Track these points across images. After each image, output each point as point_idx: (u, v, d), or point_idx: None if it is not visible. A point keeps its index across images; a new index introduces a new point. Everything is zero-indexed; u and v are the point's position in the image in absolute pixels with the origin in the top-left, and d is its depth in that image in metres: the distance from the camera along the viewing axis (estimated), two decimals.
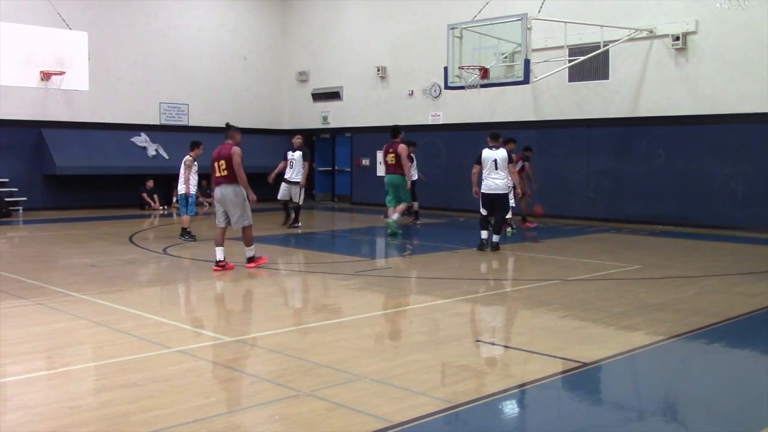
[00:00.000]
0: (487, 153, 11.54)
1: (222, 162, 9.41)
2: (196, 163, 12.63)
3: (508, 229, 13.38)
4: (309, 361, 5.41)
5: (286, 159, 15.21)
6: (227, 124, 9.94)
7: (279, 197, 15.09)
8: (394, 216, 13.27)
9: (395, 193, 13.47)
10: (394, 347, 5.99)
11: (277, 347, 5.84)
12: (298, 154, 14.92)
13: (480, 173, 11.59)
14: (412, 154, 15.05)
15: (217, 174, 9.47)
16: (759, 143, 14.10)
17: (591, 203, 16.49)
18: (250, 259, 9.74)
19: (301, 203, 15.02)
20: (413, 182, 15.26)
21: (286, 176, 14.90)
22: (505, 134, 17.15)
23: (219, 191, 9.51)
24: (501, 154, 11.47)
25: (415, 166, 15.68)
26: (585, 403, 4.81)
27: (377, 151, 20.27)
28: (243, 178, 9.42)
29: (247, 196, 9.54)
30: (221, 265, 9.50)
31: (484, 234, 11.59)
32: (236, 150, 9.37)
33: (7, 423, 4.17)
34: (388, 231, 13.42)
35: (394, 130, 13.96)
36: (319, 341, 6.15)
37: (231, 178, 9.41)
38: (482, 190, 11.59)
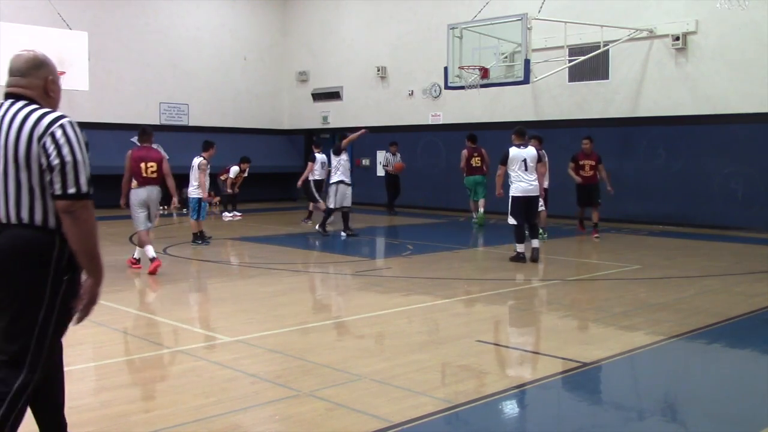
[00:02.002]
0: (515, 152, 10.33)
1: (152, 164, 9.64)
2: (209, 165, 12.49)
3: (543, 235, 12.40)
4: (309, 361, 5.41)
5: (313, 161, 15.16)
6: (145, 128, 10.37)
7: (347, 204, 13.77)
8: (481, 210, 15.42)
9: (480, 189, 15.53)
10: (394, 347, 5.99)
11: (277, 347, 5.84)
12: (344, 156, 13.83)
13: (504, 175, 10.50)
14: (317, 153, 15.71)
15: (145, 175, 9.58)
16: (759, 143, 14.10)
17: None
18: (138, 260, 9.79)
19: (329, 206, 13.80)
20: (318, 182, 15.49)
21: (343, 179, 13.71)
22: (505, 134, 17.21)
23: (146, 192, 9.57)
24: (530, 152, 10.37)
25: (319, 166, 15.58)
26: (585, 403, 4.82)
27: (377, 151, 20.31)
28: (173, 182, 10.00)
29: (170, 199, 10.13)
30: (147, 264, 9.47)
31: (521, 247, 10.27)
32: (164, 155, 9.99)
33: None
34: (478, 223, 15.30)
35: (475, 137, 15.81)
36: (319, 341, 6.15)
37: (158, 180, 9.68)
38: (516, 194, 10.29)
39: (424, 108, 19.85)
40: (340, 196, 13.40)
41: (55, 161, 2.97)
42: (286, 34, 23.63)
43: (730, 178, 14.45)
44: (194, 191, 12.34)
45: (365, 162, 21.37)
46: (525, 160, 10.29)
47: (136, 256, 9.87)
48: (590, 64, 15.83)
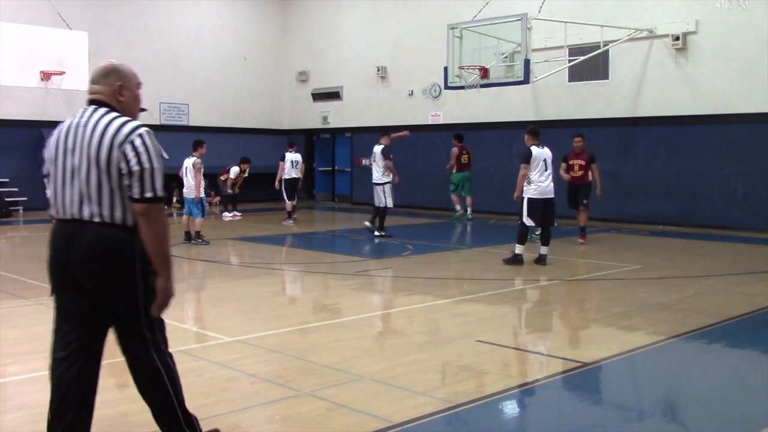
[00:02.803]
0: (537, 151, 9.96)
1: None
2: (203, 164, 12.52)
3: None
4: (309, 361, 5.40)
5: (283, 160, 15.29)
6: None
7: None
8: (470, 210, 16.29)
9: (467, 185, 16.39)
10: (394, 347, 5.99)
11: (277, 347, 5.84)
12: (378, 148, 13.63)
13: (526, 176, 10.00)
14: (287, 153, 16.08)
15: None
16: (759, 143, 14.10)
17: (591, 203, 16.45)
18: None
19: (388, 206, 13.56)
20: (289, 181, 15.81)
21: (372, 178, 13.72)
22: (505, 135, 17.26)
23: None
24: (548, 152, 10.13)
25: (289, 165, 15.83)
26: (585, 403, 4.81)
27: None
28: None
29: None
30: None
31: (521, 249, 10.01)
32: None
33: (8, 423, 4.17)
34: (459, 218, 16.19)
35: (461, 136, 16.56)
36: (319, 341, 6.15)
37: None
38: (534, 196, 9.92)
39: (424, 108, 19.85)
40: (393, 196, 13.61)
41: (135, 167, 3.23)
42: (286, 34, 23.63)
43: (731, 178, 14.45)
44: (191, 191, 12.35)
45: (365, 162, 21.36)
46: (545, 160, 10.03)
47: None
48: (590, 64, 15.82)
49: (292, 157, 15.95)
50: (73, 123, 3.39)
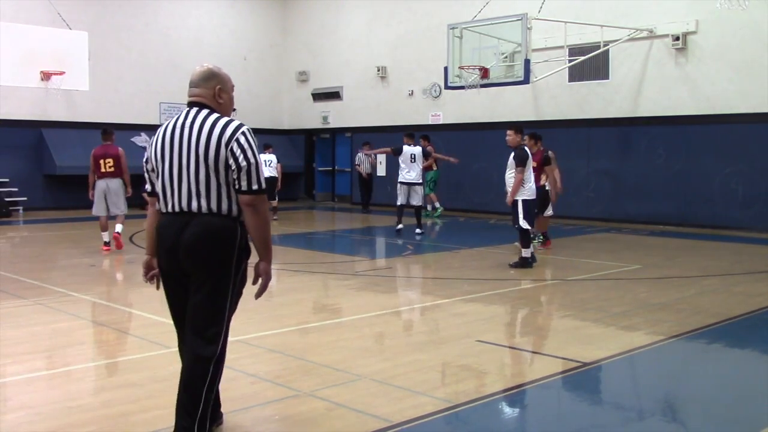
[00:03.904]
0: (528, 154, 9.97)
1: (109, 160, 11.30)
2: None
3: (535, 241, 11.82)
4: (309, 361, 5.41)
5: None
6: (105, 129, 11.92)
7: (399, 202, 13.72)
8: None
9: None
10: (394, 347, 5.99)
11: (277, 347, 5.84)
12: (418, 149, 13.73)
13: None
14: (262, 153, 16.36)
15: (103, 170, 11.28)
16: (759, 143, 14.10)
17: (591, 203, 16.49)
18: (108, 243, 11.37)
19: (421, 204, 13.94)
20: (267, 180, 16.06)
21: (406, 178, 13.59)
22: (505, 135, 17.22)
23: (104, 183, 11.29)
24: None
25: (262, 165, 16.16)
26: (585, 403, 4.82)
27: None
28: (127, 175, 11.49)
29: (126, 189, 11.58)
30: (108, 246, 11.31)
31: (527, 252, 9.88)
32: (122, 151, 11.49)
33: (7, 423, 4.17)
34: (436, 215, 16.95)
35: (428, 136, 17.05)
36: (319, 341, 6.15)
37: (117, 174, 11.34)
38: (529, 198, 9.91)
39: (424, 108, 19.85)
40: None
41: (243, 163, 3.53)
42: (286, 34, 23.63)
43: (730, 178, 14.45)
44: None
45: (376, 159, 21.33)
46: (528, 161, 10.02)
47: (106, 239, 11.37)
48: (590, 64, 15.83)
49: (266, 157, 16.11)
50: (178, 123, 3.66)
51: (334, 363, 5.33)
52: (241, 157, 3.54)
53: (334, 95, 22.26)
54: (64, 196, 19.11)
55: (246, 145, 3.57)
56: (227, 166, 3.54)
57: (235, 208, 3.61)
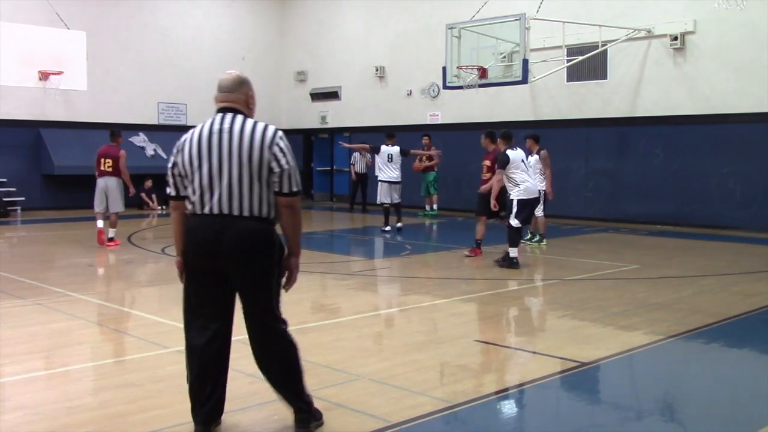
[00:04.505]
0: (513, 155, 9.96)
1: (109, 160, 11.74)
2: None
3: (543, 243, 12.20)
4: (308, 361, 5.37)
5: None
6: (113, 131, 12.31)
7: (381, 200, 13.87)
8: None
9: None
10: (393, 347, 6.00)
11: None
12: (396, 149, 13.98)
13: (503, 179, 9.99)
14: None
15: (102, 168, 11.75)
16: (758, 143, 14.12)
17: (589, 203, 16.50)
18: (111, 239, 11.83)
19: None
20: None
21: (387, 177, 13.86)
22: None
23: (104, 182, 11.73)
24: (523, 153, 10.28)
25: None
26: (584, 402, 4.82)
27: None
28: (127, 175, 11.97)
29: (127, 189, 12.14)
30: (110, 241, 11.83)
31: (514, 252, 9.83)
32: (123, 153, 11.89)
33: (7, 423, 4.17)
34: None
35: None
36: (317, 341, 6.15)
37: (115, 173, 11.76)
38: (523, 197, 9.91)
39: (423, 108, 19.85)
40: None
41: (285, 166, 3.73)
42: (284, 34, 23.62)
43: (729, 178, 14.47)
44: None
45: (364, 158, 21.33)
46: (523, 161, 10.07)
47: (110, 235, 11.84)
48: (588, 64, 15.84)
49: None
50: (215, 128, 3.79)
51: (332, 363, 5.33)
52: (283, 161, 3.72)
53: (332, 95, 22.25)
54: (62, 195, 19.09)
55: (286, 149, 3.76)
56: (269, 169, 3.71)
57: (272, 211, 3.79)
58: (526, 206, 10.03)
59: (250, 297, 3.87)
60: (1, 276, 9.11)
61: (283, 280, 3.98)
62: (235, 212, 3.72)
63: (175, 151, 3.88)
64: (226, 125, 3.78)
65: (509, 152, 9.99)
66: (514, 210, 9.91)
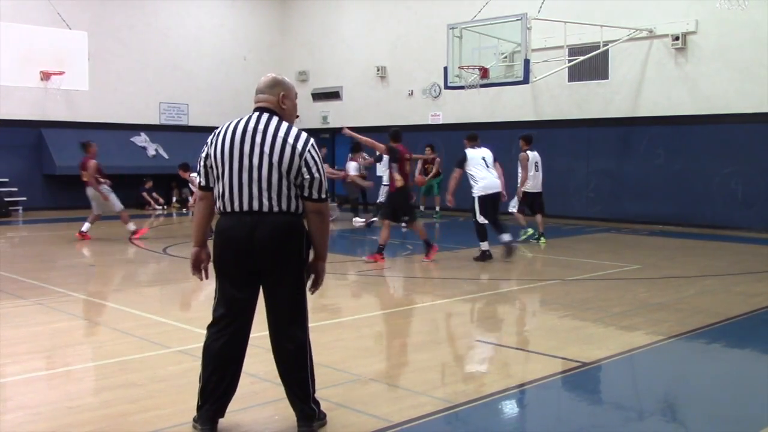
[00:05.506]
0: (472, 153, 10.51)
1: (84, 171, 12.54)
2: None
3: (534, 235, 12.64)
4: None
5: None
6: (82, 143, 13.02)
7: (381, 200, 14.53)
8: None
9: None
10: (393, 347, 5.99)
11: None
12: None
13: (461, 177, 10.56)
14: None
15: (84, 179, 12.57)
16: (759, 143, 14.11)
17: (591, 203, 16.50)
18: (134, 232, 12.89)
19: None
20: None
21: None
22: (504, 134, 17.23)
23: (89, 190, 12.61)
24: (488, 152, 10.66)
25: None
26: (585, 402, 4.82)
27: (376, 151, 20.25)
28: (95, 184, 12.48)
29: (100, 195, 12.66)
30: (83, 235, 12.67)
31: (485, 245, 10.38)
32: (91, 164, 12.42)
33: (7, 423, 4.17)
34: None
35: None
36: (318, 341, 6.12)
37: (90, 182, 12.45)
38: (482, 194, 10.37)
39: (424, 108, 19.85)
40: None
41: (316, 175, 3.86)
42: (285, 34, 23.62)
43: (730, 178, 14.46)
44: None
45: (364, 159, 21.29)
46: (484, 158, 10.53)
47: (131, 228, 12.80)
48: (590, 64, 15.83)
49: None
50: (249, 126, 3.87)
51: (333, 363, 5.33)
52: (314, 169, 3.84)
53: (333, 95, 22.25)
54: (64, 196, 19.09)
55: (317, 157, 3.88)
56: (299, 174, 3.83)
57: (300, 206, 3.90)
58: (486, 202, 10.41)
59: (279, 293, 3.95)
60: (2, 276, 9.11)
61: (309, 282, 4.06)
62: (265, 209, 3.81)
63: (208, 142, 3.97)
64: (261, 125, 3.87)
65: (468, 151, 10.59)
66: (476, 207, 10.40)
